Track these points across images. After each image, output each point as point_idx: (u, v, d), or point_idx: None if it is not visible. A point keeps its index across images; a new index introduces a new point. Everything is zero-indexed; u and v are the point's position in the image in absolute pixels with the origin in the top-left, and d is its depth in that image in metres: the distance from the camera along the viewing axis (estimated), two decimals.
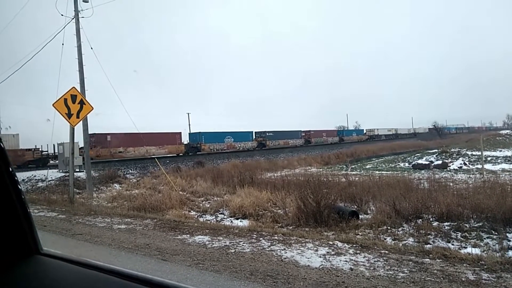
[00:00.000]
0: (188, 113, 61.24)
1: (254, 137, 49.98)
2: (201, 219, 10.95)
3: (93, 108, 12.99)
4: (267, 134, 49.76)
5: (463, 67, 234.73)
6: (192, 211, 12.83)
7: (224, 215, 11.92)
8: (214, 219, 11.32)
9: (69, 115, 12.22)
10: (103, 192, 18.62)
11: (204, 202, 14.44)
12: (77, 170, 20.83)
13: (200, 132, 42.90)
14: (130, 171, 27.90)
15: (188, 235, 6.78)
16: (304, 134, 57.72)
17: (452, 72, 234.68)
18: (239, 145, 46.19)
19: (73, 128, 12.90)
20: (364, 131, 75.58)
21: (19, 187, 1.25)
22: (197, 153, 39.90)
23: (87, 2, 17.13)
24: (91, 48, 17.03)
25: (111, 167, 25.86)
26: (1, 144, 1.15)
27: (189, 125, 59.57)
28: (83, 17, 16.93)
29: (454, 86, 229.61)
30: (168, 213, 11.37)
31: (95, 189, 18.27)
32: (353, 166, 30.29)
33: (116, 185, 21.16)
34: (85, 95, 14.87)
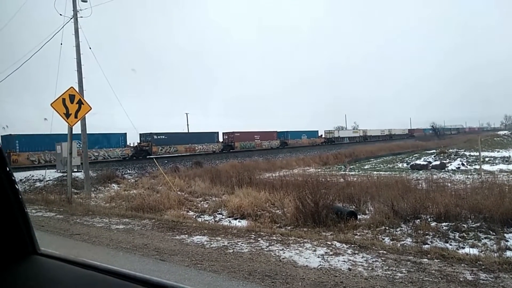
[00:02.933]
0: (187, 113, 61.44)
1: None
2: (199, 220, 10.94)
3: (91, 108, 12.98)
4: (156, 137, 38.72)
5: (462, 69, 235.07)
6: (190, 211, 12.82)
7: (223, 215, 11.92)
8: (213, 220, 11.31)
9: (67, 115, 12.20)
10: (101, 192, 18.58)
11: (202, 202, 14.43)
12: (75, 170, 20.77)
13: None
14: (129, 171, 27.87)
15: (186, 235, 6.77)
16: (226, 138, 47.50)
17: (451, 73, 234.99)
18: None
19: (71, 128, 12.88)
20: (320, 133, 64.49)
21: (17, 187, 1.25)
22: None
23: (86, 1, 17.11)
24: (90, 48, 17.00)
25: (109, 167, 25.82)
26: None
27: (188, 125, 59.64)
28: (81, 17, 16.89)
29: (453, 87, 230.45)
30: (167, 213, 11.35)
31: (93, 189, 18.22)
32: (351, 167, 30.31)
33: (114, 185, 21.11)
34: (83, 95, 14.83)
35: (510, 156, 30.65)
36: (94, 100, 14.18)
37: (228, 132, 47.69)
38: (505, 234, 7.46)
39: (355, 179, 16.64)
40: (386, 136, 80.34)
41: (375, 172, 23.19)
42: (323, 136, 64.64)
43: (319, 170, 27.27)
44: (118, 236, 6.87)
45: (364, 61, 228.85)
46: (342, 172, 24.30)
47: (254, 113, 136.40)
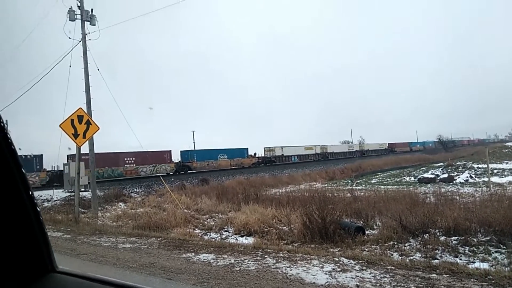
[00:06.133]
0: (193, 131, 61.91)
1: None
2: (206, 237, 10.90)
3: (99, 128, 13.16)
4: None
5: (468, 81, 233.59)
6: (196, 229, 12.78)
7: (229, 232, 11.86)
8: (219, 237, 11.26)
9: (75, 135, 12.38)
10: (108, 211, 18.62)
11: (208, 219, 14.39)
12: (83, 189, 20.91)
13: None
14: (135, 190, 27.94)
15: (193, 254, 6.75)
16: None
17: (458, 86, 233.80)
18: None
19: (79, 148, 13.05)
20: (251, 153, 51.08)
21: (38, 209, 1.31)
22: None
23: (94, 25, 17.59)
24: (98, 69, 17.37)
25: (116, 186, 25.94)
26: (23, 170, 1.21)
27: (194, 142, 60.00)
28: (90, 39, 17.35)
29: (460, 99, 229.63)
30: (173, 232, 11.34)
31: (100, 208, 18.29)
32: (358, 181, 30.12)
33: (121, 204, 21.18)
34: (91, 116, 15.08)
35: None
36: (100, 119, 14.35)
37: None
38: None
39: (362, 193, 16.52)
40: (356, 153, 71.34)
41: (382, 186, 23.02)
42: (260, 154, 52.66)
43: (326, 185, 27.13)
44: (124, 255, 6.87)
45: (371, 75, 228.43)
46: (349, 186, 24.15)
47: (253, 126, 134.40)
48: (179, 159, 41.57)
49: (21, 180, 1.22)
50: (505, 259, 6.69)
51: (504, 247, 7.39)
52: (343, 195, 15.18)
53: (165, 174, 36.65)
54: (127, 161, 35.01)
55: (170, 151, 39.48)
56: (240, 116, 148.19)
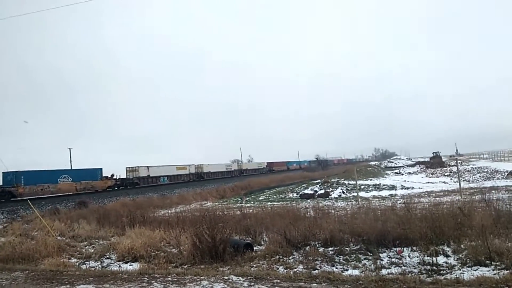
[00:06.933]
0: (70, 148, 55.83)
1: None
2: (83, 267, 9.78)
3: None
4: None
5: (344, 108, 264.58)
6: (72, 257, 11.39)
7: (111, 259, 10.87)
8: (99, 265, 10.22)
9: None
10: None
11: (87, 247, 12.97)
12: None
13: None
14: None
15: (68, 286, 6.01)
16: None
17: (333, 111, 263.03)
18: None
19: None
20: (108, 174, 43.16)
21: None
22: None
23: None
24: None
25: None
26: None
27: (70, 161, 54.15)
28: None
29: (335, 123, 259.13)
30: (43, 263, 9.89)
31: None
32: (247, 198, 31.07)
33: None
34: None
35: (380, 183, 35.42)
36: None
37: None
38: (380, 254, 8.39)
39: (251, 210, 17.05)
40: (234, 172, 71.46)
41: (269, 203, 24.14)
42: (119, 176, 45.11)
43: (216, 203, 27.26)
44: None
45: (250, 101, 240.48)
46: (239, 204, 24.70)
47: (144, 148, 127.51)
48: None
49: None
50: (372, 265, 7.60)
51: (371, 254, 8.41)
52: (233, 213, 15.41)
53: None
54: None
55: None
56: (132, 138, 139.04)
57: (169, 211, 21.76)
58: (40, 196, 32.70)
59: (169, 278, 6.09)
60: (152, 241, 11.39)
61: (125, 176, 46.24)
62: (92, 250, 12.12)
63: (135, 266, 9.51)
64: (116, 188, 42.60)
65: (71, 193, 36.69)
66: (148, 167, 48.91)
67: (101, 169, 42.22)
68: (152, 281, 5.94)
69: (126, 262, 10.23)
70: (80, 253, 11.98)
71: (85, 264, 10.48)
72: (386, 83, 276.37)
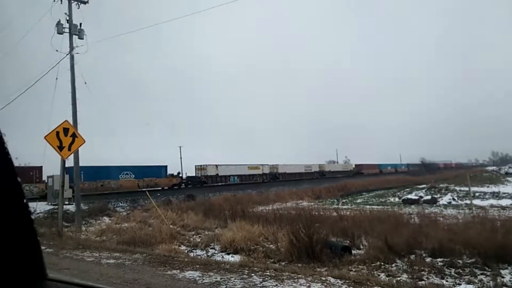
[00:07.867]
0: (180, 147, 60.99)
1: None
2: (191, 254, 10.73)
3: (84, 141, 12.99)
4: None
5: (458, 108, 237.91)
6: (182, 245, 12.58)
7: (215, 249, 11.72)
8: (205, 254, 11.11)
9: (60, 148, 12.18)
10: (92, 226, 18.20)
11: (194, 236, 14.20)
12: (67, 202, 20.44)
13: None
14: (121, 204, 27.44)
15: (178, 270, 6.64)
16: None
17: (447, 112, 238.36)
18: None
19: (64, 161, 12.83)
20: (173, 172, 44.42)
21: (31, 217, 1.32)
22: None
23: (82, 39, 17.57)
24: (85, 83, 17.19)
25: (102, 200, 25.45)
26: (18, 178, 1.22)
27: (181, 158, 59.21)
28: (77, 53, 17.28)
29: (447, 125, 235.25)
30: (158, 248, 11.13)
31: (84, 222, 17.86)
32: (344, 200, 30.26)
33: (105, 218, 20.73)
34: (77, 128, 14.89)
35: (499, 191, 30.99)
36: (86, 132, 14.09)
37: None
38: (500, 270, 7.44)
39: (348, 213, 16.58)
40: (314, 174, 65.08)
41: (367, 206, 23.15)
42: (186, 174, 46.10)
43: (312, 203, 27.17)
44: (108, 271, 6.71)
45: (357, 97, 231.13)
46: (335, 206, 24.22)
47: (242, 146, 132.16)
48: None
49: (16, 189, 1.23)
50: (491, 281, 6.77)
51: (489, 270, 7.50)
52: (329, 214, 15.21)
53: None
54: None
55: (41, 167, 30.07)
56: (229, 135, 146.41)
57: (267, 208, 22.42)
58: (101, 192, 32.33)
59: (268, 273, 6.30)
60: (251, 235, 11.93)
61: (194, 174, 46.18)
62: (199, 240, 13.21)
63: (236, 258, 10.07)
64: (182, 186, 42.11)
65: (135, 190, 35.09)
66: (217, 165, 47.47)
67: (166, 166, 41.66)
68: (252, 274, 6.22)
69: (228, 253, 10.92)
70: (189, 241, 13.17)
71: (193, 252, 11.49)
72: None
